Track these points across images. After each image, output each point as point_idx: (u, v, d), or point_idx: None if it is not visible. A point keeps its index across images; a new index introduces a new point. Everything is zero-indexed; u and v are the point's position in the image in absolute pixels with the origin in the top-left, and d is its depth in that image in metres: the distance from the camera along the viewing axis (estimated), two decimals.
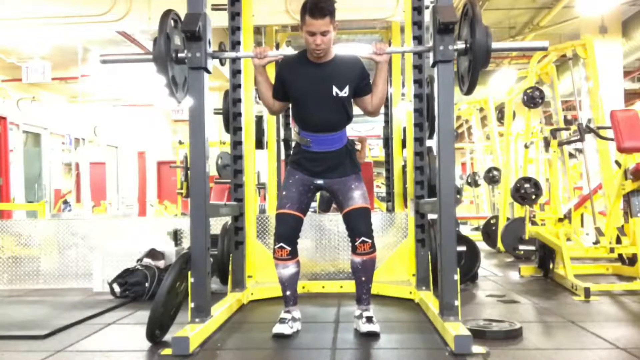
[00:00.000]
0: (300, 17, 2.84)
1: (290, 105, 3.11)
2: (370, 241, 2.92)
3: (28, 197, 9.93)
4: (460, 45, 2.71)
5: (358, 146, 6.11)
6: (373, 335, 2.87)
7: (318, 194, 5.17)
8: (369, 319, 2.92)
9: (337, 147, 2.99)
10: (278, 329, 2.90)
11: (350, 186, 2.98)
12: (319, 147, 2.98)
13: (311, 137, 2.97)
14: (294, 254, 2.98)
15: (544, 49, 2.87)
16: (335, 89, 2.90)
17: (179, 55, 2.86)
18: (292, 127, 6.41)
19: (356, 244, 2.92)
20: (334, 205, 5.82)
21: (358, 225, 2.93)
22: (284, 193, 3.01)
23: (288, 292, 3.02)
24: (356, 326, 2.99)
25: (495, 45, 2.61)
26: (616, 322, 3.19)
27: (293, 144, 4.15)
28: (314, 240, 4.37)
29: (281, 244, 2.95)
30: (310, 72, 2.93)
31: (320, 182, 3.02)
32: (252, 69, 4.18)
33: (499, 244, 6.29)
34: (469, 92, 2.74)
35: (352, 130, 11.13)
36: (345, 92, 2.91)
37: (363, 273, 2.95)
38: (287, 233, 2.96)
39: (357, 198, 2.96)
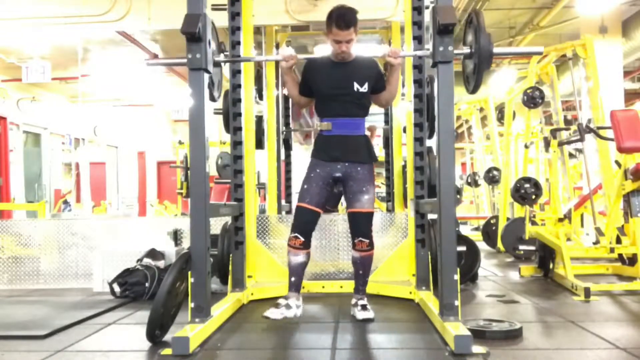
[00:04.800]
0: (326, 24, 3.17)
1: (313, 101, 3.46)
2: (367, 240, 3.28)
3: (28, 197, 9.93)
4: (466, 50, 2.92)
5: (367, 133, 6.09)
6: (368, 321, 3.15)
7: None
8: (364, 307, 3.24)
9: (355, 133, 3.31)
10: (268, 312, 3.08)
11: (361, 188, 3.26)
12: (339, 130, 3.28)
13: (332, 121, 3.29)
14: (306, 245, 3.24)
15: (540, 53, 3.20)
16: (356, 85, 3.25)
17: (215, 59, 3.10)
18: (293, 126, 6.41)
19: (355, 241, 3.30)
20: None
21: (360, 227, 3.29)
22: (305, 187, 3.29)
23: (293, 279, 3.26)
24: (352, 313, 3.30)
25: (496, 50, 2.84)
26: (616, 322, 3.18)
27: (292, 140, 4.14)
28: (314, 240, 4.35)
29: (296, 234, 3.22)
30: (334, 71, 3.29)
31: (338, 174, 3.28)
32: (252, 69, 4.31)
33: (499, 244, 6.29)
34: (474, 91, 2.98)
35: None
36: (365, 88, 3.27)
37: (361, 267, 3.34)
38: (304, 225, 3.24)
39: (365, 202, 3.27)
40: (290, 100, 6.15)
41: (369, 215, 3.29)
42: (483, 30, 2.77)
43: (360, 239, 3.26)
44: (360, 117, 3.33)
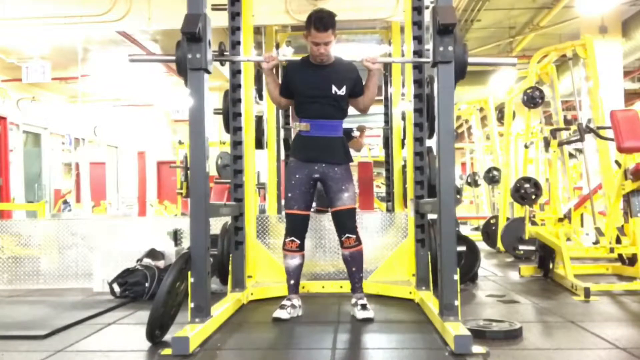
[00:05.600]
0: (305, 27, 3.27)
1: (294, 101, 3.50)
2: (354, 236, 3.34)
3: (28, 197, 9.92)
4: None
5: (356, 133, 6.09)
6: (368, 321, 3.17)
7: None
8: (364, 306, 3.26)
9: (333, 134, 3.38)
10: (277, 313, 3.24)
11: (340, 187, 3.35)
12: (317, 132, 3.36)
13: (311, 122, 3.36)
14: (301, 247, 3.40)
15: (513, 64, 3.34)
16: (334, 88, 3.32)
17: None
18: (292, 126, 6.41)
19: (342, 239, 3.36)
20: None
21: (345, 224, 3.35)
22: (289, 195, 3.39)
23: (292, 281, 3.40)
24: (352, 313, 3.32)
25: (471, 60, 2.89)
26: (616, 322, 3.19)
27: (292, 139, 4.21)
28: (314, 241, 4.38)
29: (292, 237, 3.37)
30: (313, 73, 3.35)
31: (316, 175, 3.36)
32: (252, 69, 4.31)
33: (499, 244, 6.29)
34: None
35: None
36: (342, 92, 3.34)
37: (353, 264, 3.37)
38: (297, 229, 3.38)
39: (345, 199, 3.35)
40: None
41: (351, 211, 3.36)
42: (459, 41, 2.82)
43: (346, 235, 3.33)
44: (338, 119, 3.40)
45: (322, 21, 3.17)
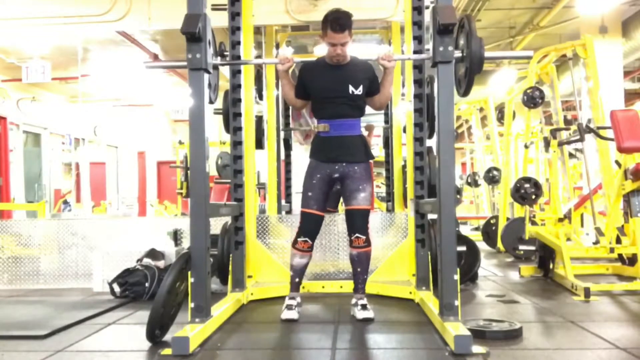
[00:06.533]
0: (321, 27, 3.26)
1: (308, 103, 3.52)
2: (364, 237, 3.32)
3: (28, 197, 9.93)
4: (458, 53, 2.90)
5: (365, 133, 6.11)
6: (368, 321, 3.18)
7: None
8: (364, 307, 3.27)
9: (352, 133, 3.37)
10: (286, 315, 3.25)
11: (358, 186, 3.33)
12: (335, 131, 3.35)
13: (329, 122, 3.35)
14: (311, 248, 3.40)
15: (530, 57, 3.32)
16: (351, 88, 3.32)
17: (213, 62, 3.11)
18: (293, 126, 6.41)
19: (352, 238, 3.34)
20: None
21: (356, 223, 3.34)
22: (308, 194, 3.37)
23: (297, 279, 3.41)
24: (352, 313, 3.32)
25: (487, 54, 2.84)
26: (616, 322, 3.19)
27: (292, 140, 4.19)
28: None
29: (305, 237, 3.36)
30: (330, 74, 3.35)
31: (336, 175, 3.35)
32: (252, 69, 4.32)
33: (499, 244, 6.30)
34: (465, 94, 2.95)
35: None
36: (360, 91, 3.34)
37: (359, 264, 3.36)
38: (311, 229, 3.37)
39: (361, 199, 3.33)
40: None
41: (365, 212, 3.34)
42: (474, 35, 2.80)
43: (356, 235, 3.31)
44: (356, 117, 3.39)
45: (338, 22, 3.16)
